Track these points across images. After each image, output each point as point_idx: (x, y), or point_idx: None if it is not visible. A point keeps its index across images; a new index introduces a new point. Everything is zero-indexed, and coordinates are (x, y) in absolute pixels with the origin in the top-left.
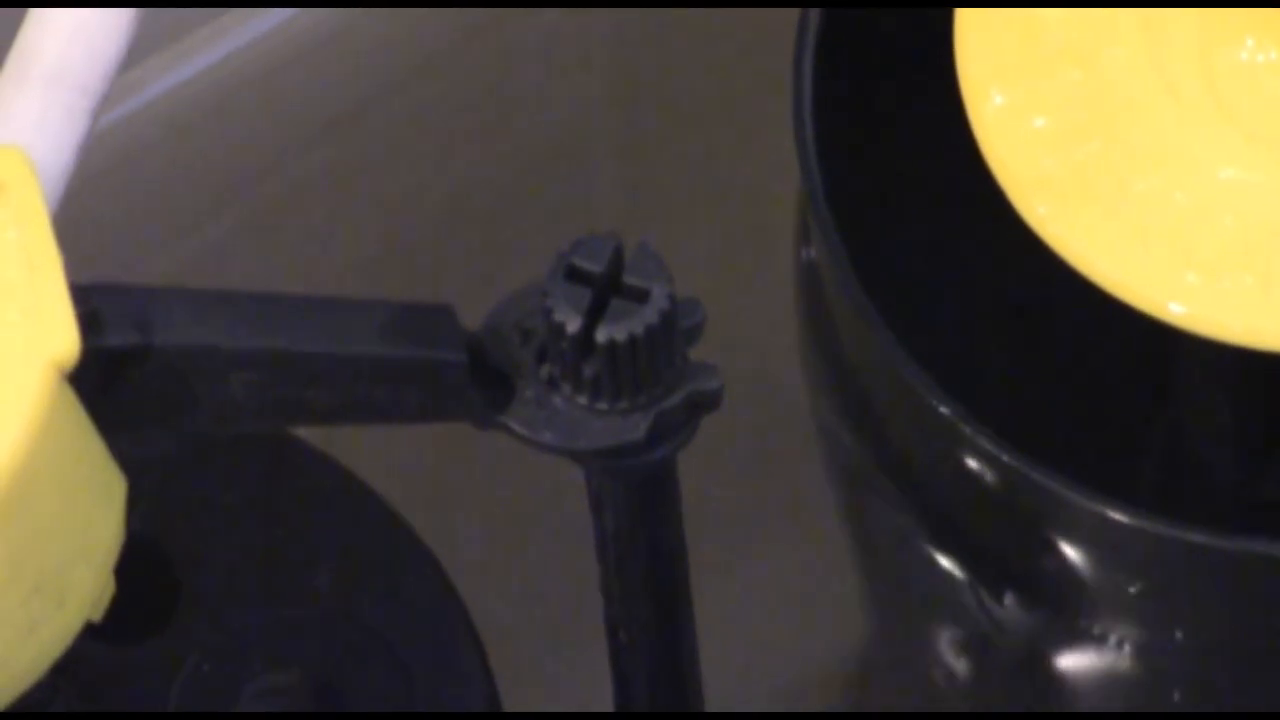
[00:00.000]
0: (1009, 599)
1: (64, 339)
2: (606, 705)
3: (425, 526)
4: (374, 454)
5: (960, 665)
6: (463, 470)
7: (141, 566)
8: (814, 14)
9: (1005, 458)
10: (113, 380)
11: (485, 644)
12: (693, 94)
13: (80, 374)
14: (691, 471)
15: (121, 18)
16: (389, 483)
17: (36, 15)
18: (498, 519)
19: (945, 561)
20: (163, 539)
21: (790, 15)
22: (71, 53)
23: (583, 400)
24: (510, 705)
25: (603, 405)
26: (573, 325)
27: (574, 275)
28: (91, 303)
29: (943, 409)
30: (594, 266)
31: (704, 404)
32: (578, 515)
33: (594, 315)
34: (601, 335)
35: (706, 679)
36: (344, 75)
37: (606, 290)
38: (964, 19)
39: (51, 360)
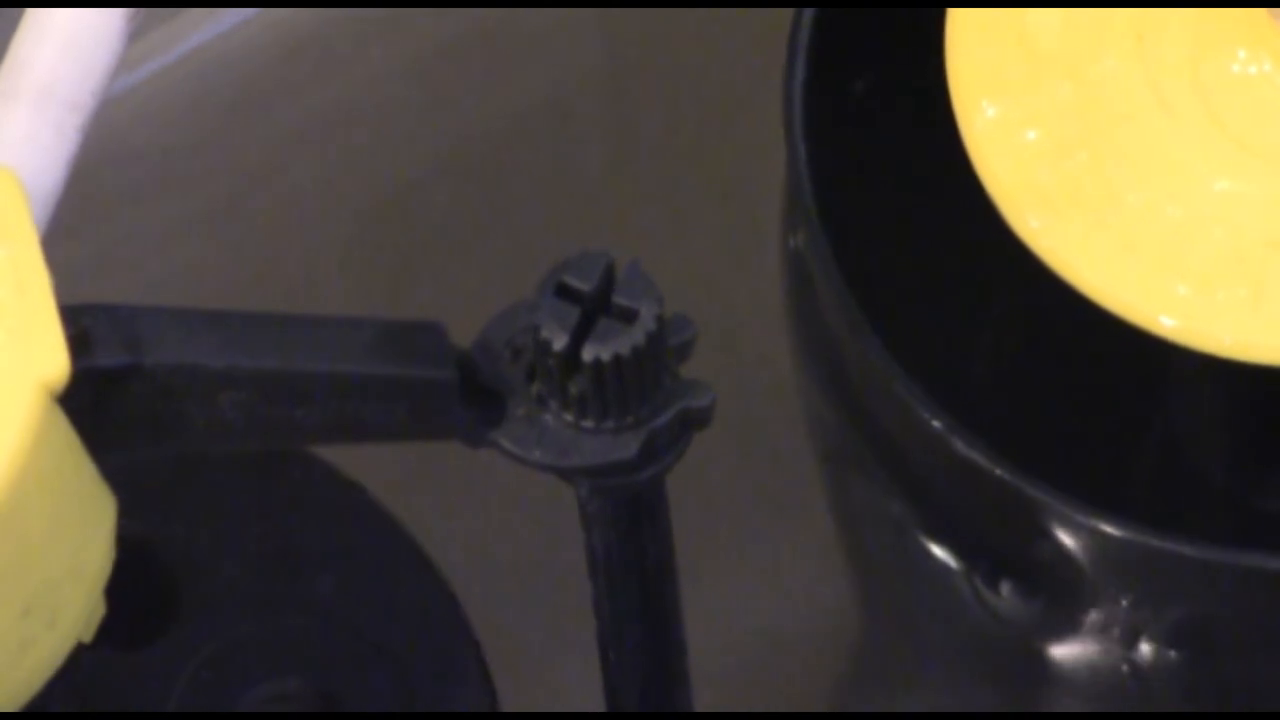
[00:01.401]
0: (1006, 588)
1: (53, 360)
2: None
3: (422, 531)
4: (372, 459)
5: (957, 655)
6: (460, 474)
7: (140, 574)
8: (807, 15)
9: (998, 471)
10: (102, 400)
11: (484, 649)
12: (683, 95)
13: (69, 394)
14: (681, 467)
15: (112, 30)
16: (386, 488)
17: (27, 28)
18: (495, 523)
19: (939, 550)
20: (161, 546)
21: (782, 17)
22: (61, 67)
23: (569, 418)
24: (508, 708)
25: (589, 423)
26: (559, 343)
27: (563, 292)
28: (80, 323)
29: (935, 422)
30: (584, 284)
31: (695, 421)
32: (575, 520)
33: (581, 333)
34: (588, 354)
35: (696, 670)
36: (328, 81)
37: (595, 309)
38: (955, 31)
39: (41, 382)
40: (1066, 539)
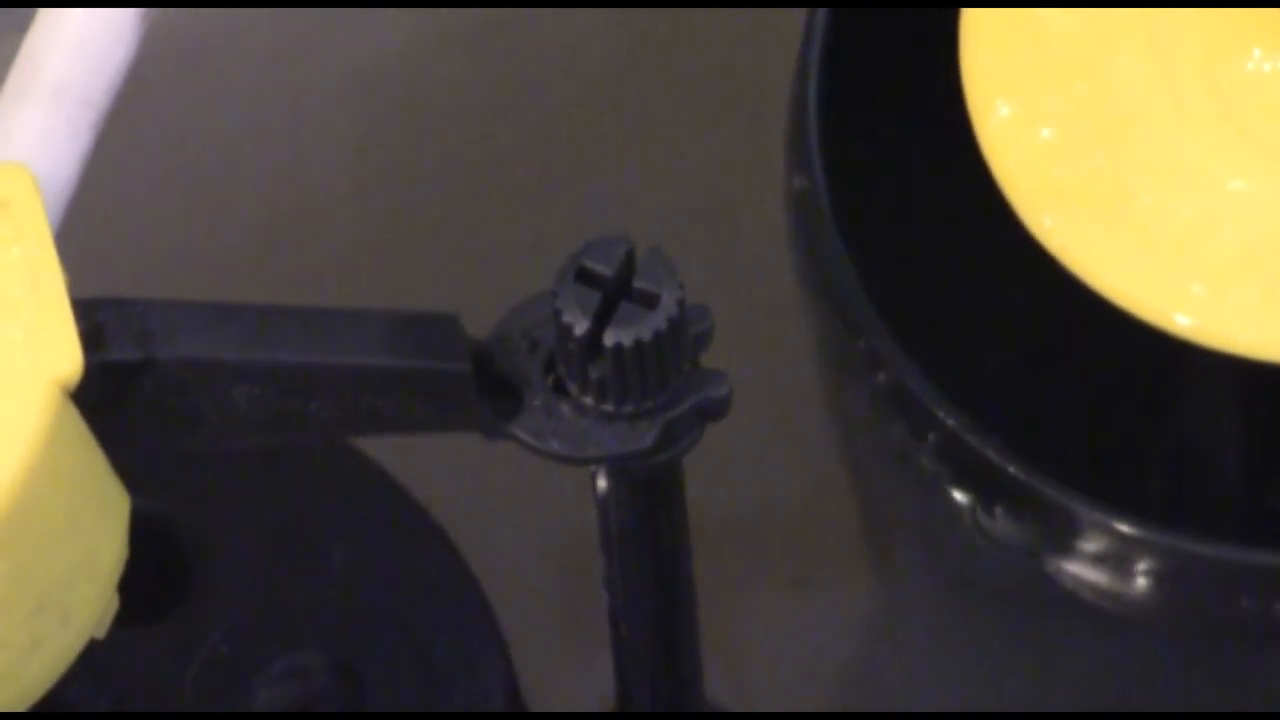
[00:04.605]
0: (999, 512)
1: (67, 357)
2: None
3: (434, 506)
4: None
5: (954, 576)
6: (471, 448)
7: (156, 549)
8: (821, 15)
9: (1012, 469)
10: (115, 395)
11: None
12: (692, 95)
13: (83, 389)
14: None
15: (125, 28)
16: (398, 463)
17: (40, 26)
18: (508, 499)
19: (937, 472)
20: (178, 521)
21: (794, 19)
22: (75, 65)
23: (589, 400)
24: (526, 681)
25: (608, 407)
26: (580, 328)
27: (584, 277)
28: (93, 317)
29: (950, 421)
30: (605, 269)
31: (712, 412)
32: (588, 494)
33: (602, 318)
34: (609, 339)
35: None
36: (341, 67)
37: (616, 293)
38: (969, 30)
39: (54, 378)
40: (1078, 531)
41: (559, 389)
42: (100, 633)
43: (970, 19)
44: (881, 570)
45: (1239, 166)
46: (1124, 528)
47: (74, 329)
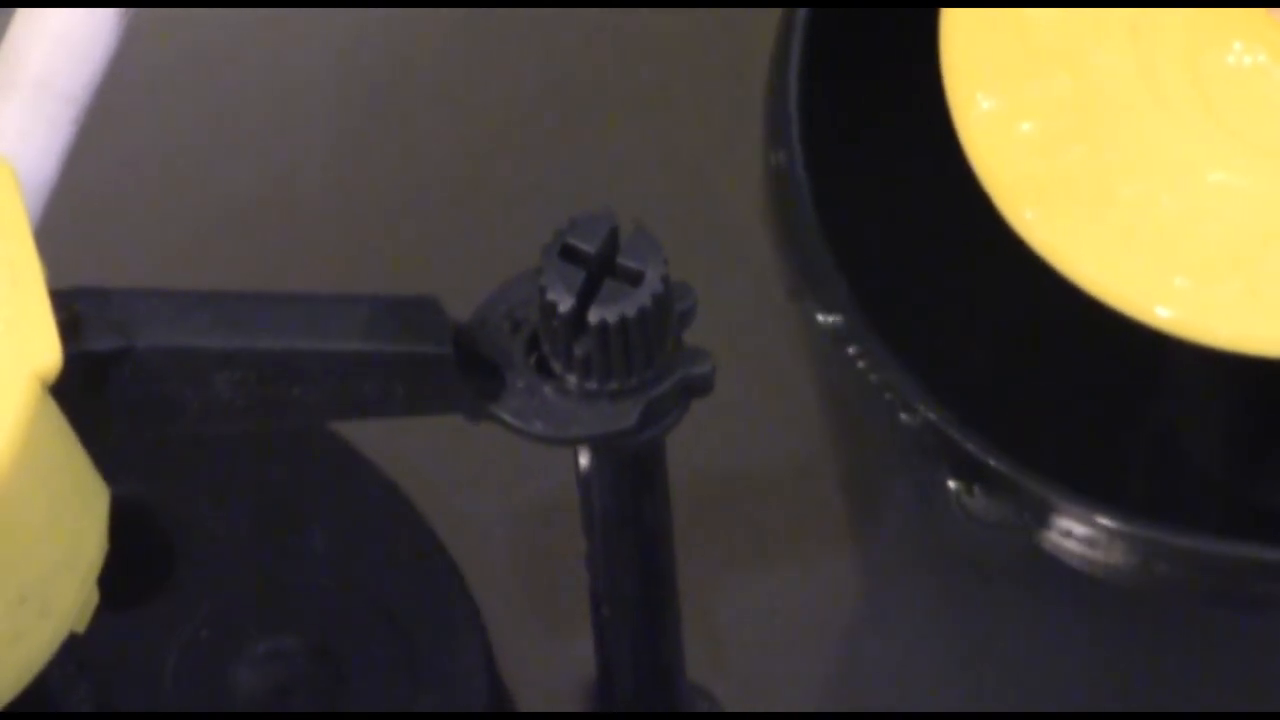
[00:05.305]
0: (977, 490)
1: (46, 351)
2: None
3: (414, 490)
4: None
5: (934, 550)
6: (453, 433)
7: (136, 533)
8: (800, 14)
9: (993, 463)
10: (95, 385)
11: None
12: (674, 75)
13: (62, 379)
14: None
15: (105, 25)
16: (378, 447)
17: (20, 23)
18: (488, 481)
19: (919, 459)
20: (157, 506)
21: (770, 17)
22: (55, 62)
23: (572, 380)
24: (505, 663)
25: (592, 385)
26: (565, 305)
27: (569, 254)
28: (72, 307)
29: (931, 415)
30: (589, 246)
31: (695, 389)
32: (567, 477)
33: (587, 295)
34: (593, 316)
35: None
36: (326, 65)
37: (600, 271)
38: (949, 24)
39: (34, 372)
40: (1059, 519)
41: (542, 369)
42: (80, 626)
43: (950, 12)
44: (865, 548)
45: (1220, 159)
46: (1103, 520)
47: (53, 323)
